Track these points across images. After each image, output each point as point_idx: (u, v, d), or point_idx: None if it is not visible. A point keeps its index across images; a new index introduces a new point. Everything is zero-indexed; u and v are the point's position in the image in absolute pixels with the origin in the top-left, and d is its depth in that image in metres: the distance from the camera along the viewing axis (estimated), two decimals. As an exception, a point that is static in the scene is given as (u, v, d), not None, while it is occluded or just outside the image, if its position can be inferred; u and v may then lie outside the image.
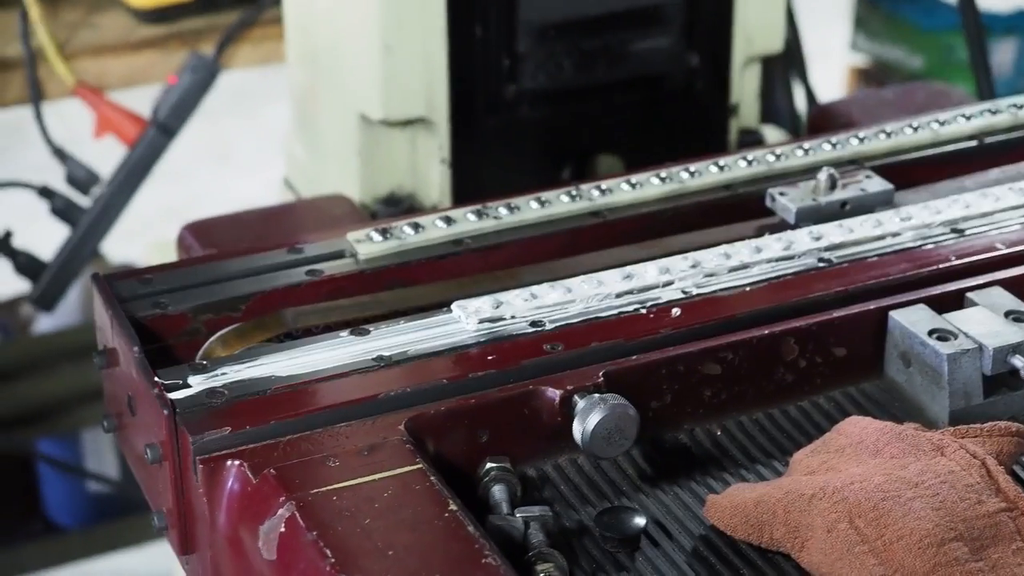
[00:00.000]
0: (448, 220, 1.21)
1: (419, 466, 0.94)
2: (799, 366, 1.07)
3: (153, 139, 1.82)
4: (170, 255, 1.38)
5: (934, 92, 1.62)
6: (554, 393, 1.01)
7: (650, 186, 1.27)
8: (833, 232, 1.17)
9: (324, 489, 0.92)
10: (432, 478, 0.93)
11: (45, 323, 2.59)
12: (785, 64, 1.88)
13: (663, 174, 1.28)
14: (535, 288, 1.10)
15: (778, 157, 1.31)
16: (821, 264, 1.15)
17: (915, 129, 1.35)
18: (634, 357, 1.04)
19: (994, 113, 1.38)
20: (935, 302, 1.09)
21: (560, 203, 1.24)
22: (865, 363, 1.09)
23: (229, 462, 0.95)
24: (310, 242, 1.20)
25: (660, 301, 1.10)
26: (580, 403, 0.99)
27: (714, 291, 1.11)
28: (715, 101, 1.55)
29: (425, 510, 0.90)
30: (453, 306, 1.09)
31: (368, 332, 1.07)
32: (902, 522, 0.88)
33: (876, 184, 1.25)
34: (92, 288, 1.13)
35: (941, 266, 1.14)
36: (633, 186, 1.26)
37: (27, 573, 2.54)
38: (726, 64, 1.54)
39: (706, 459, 1.03)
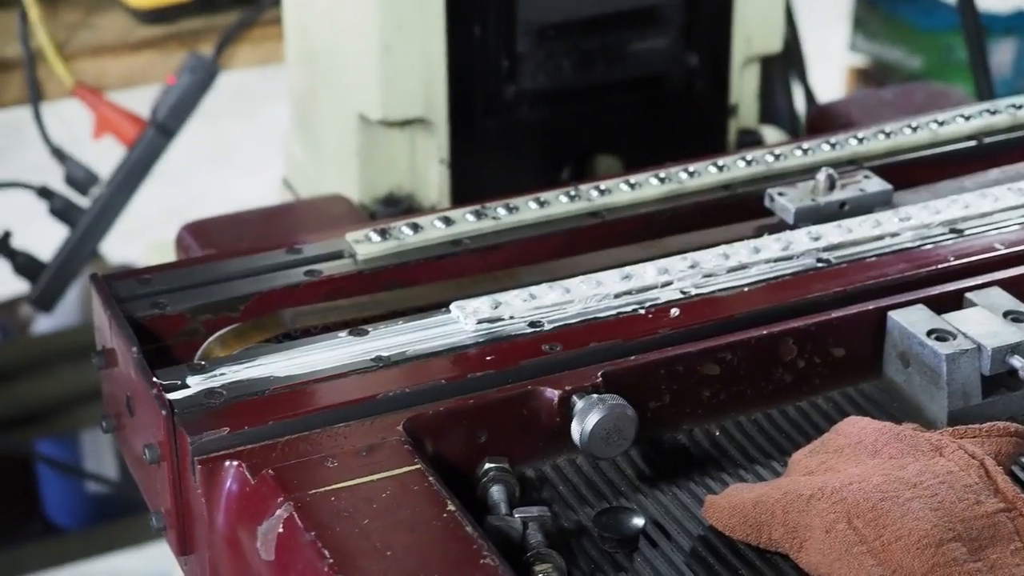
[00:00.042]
0: (447, 220, 1.21)
1: (417, 466, 0.94)
2: (798, 366, 1.07)
3: (152, 140, 1.82)
4: (169, 256, 1.38)
5: (933, 92, 1.62)
6: (552, 393, 1.01)
7: (649, 186, 1.27)
8: (832, 232, 1.17)
9: (322, 490, 0.92)
10: (430, 478, 0.93)
11: (44, 323, 2.59)
12: (784, 64, 1.88)
13: (662, 174, 1.28)
14: (534, 288, 1.10)
15: (777, 157, 1.31)
16: (820, 264, 1.15)
17: (914, 129, 1.35)
18: (633, 357, 1.04)
19: (993, 113, 1.38)
20: (934, 302, 1.09)
21: (559, 203, 1.24)
22: (864, 363, 1.09)
23: (227, 462, 0.95)
24: (309, 242, 1.20)
25: (659, 301, 1.10)
26: (579, 403, 0.99)
27: (713, 291, 1.11)
28: (714, 101, 1.55)
29: (423, 511, 0.90)
30: (452, 306, 1.09)
31: (367, 332, 1.07)
32: (900, 522, 0.88)
33: (875, 184, 1.25)
34: (91, 288, 1.13)
35: (940, 266, 1.14)
36: (632, 186, 1.26)
37: (26, 574, 2.54)
38: (725, 64, 1.54)
39: (704, 459, 1.03)
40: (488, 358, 1.04)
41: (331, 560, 0.86)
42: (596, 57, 1.49)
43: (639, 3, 1.48)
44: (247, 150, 3.95)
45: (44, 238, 2.03)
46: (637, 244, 1.22)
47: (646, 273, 1.12)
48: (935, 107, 1.46)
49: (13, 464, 2.61)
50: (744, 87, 1.56)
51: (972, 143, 1.36)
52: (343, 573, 0.85)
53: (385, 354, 1.04)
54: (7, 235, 1.88)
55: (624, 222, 1.24)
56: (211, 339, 1.10)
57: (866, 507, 0.90)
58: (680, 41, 1.51)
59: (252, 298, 1.14)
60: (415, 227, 1.20)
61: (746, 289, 1.12)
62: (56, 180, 1.89)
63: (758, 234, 1.19)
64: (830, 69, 3.19)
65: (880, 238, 1.17)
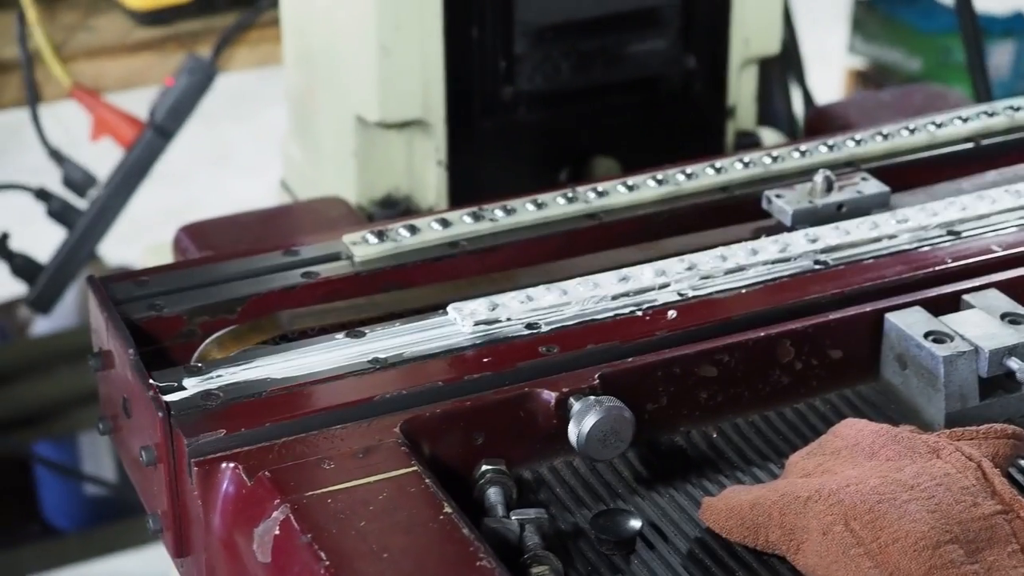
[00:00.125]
0: (444, 222, 1.21)
1: (414, 469, 0.94)
2: (795, 368, 1.07)
3: (150, 141, 1.82)
4: (168, 257, 1.38)
5: (931, 94, 1.62)
6: (550, 395, 1.01)
7: (646, 188, 1.27)
8: (829, 234, 1.17)
9: (319, 492, 0.92)
10: (427, 480, 0.93)
11: (42, 325, 2.59)
12: (782, 66, 1.88)
13: (660, 176, 1.28)
14: (531, 290, 1.10)
15: (775, 159, 1.31)
16: (817, 266, 1.15)
17: (912, 131, 1.35)
18: (630, 359, 1.04)
19: (990, 115, 1.38)
20: (931, 304, 1.09)
21: (556, 205, 1.24)
22: (861, 365, 1.09)
23: (224, 464, 0.95)
24: (306, 244, 1.20)
25: (656, 303, 1.10)
26: (576, 405, 0.99)
27: (710, 293, 1.11)
28: (712, 103, 1.55)
29: (420, 513, 0.90)
30: (449, 308, 1.09)
31: (364, 334, 1.07)
32: (897, 524, 0.88)
33: (872, 186, 1.25)
34: (87, 290, 1.13)
35: (937, 268, 1.14)
36: (630, 188, 1.26)
37: (24, 576, 2.54)
38: (723, 66, 1.54)
39: (702, 461, 1.03)
40: (485, 360, 1.04)
41: (327, 562, 0.86)
42: (594, 59, 1.49)
43: (637, 5, 1.48)
44: (245, 152, 3.95)
45: (42, 240, 2.03)
46: (634, 246, 1.22)
47: (643, 275, 1.12)
48: (933, 109, 1.46)
49: (11, 466, 2.60)
50: (742, 89, 1.56)
51: (970, 145, 1.36)
52: (339, 575, 0.85)
53: (382, 356, 1.04)
54: (5, 237, 1.88)
55: (622, 224, 1.24)
56: (208, 341, 1.10)
57: (863, 509, 0.90)
58: (678, 43, 1.51)
59: (249, 300, 1.14)
60: (412, 229, 1.20)
61: (743, 291, 1.12)
62: (54, 182, 1.89)
63: (756, 236, 1.19)
64: (829, 71, 3.19)
65: (877, 240, 1.17)
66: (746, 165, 1.30)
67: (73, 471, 2.52)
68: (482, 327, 1.07)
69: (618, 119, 1.52)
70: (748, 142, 1.57)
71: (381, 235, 1.20)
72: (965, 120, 1.37)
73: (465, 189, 1.46)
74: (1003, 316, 1.07)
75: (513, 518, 0.94)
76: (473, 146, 1.46)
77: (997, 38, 2.99)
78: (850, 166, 1.31)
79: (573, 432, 0.98)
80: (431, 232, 1.21)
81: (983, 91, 1.75)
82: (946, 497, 0.90)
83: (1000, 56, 3.00)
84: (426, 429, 0.98)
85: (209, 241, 1.32)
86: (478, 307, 1.08)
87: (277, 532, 0.90)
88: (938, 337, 1.05)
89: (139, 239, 1.96)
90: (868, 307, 1.09)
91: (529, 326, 1.07)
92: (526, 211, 1.24)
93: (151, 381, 1.00)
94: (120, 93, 1.89)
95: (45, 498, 2.61)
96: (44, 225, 1.91)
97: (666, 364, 1.04)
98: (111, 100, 1.87)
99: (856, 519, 0.90)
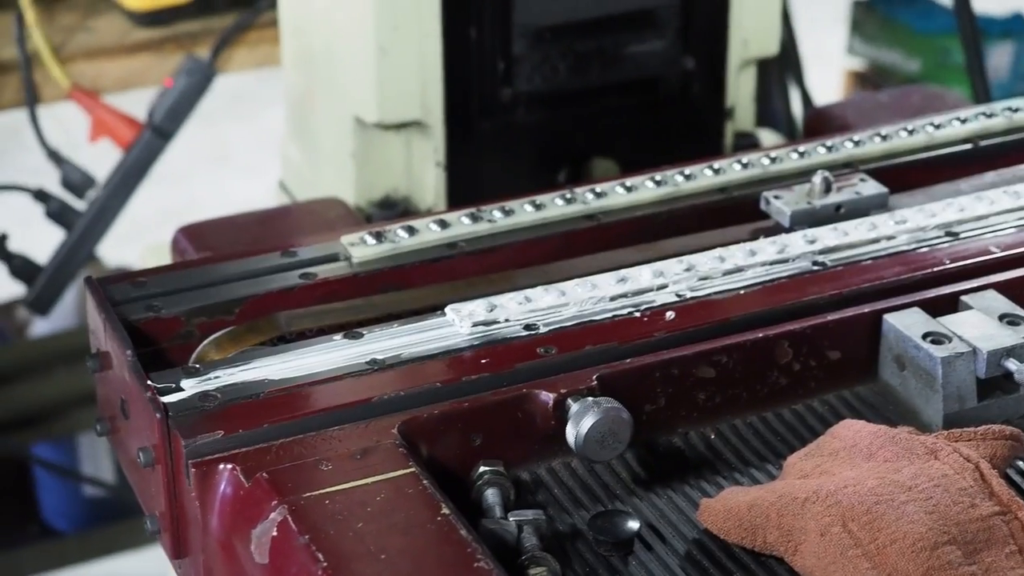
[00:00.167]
0: (442, 223, 1.21)
1: (412, 470, 0.94)
2: (793, 369, 1.07)
3: (148, 142, 1.82)
4: (166, 259, 1.38)
5: (930, 95, 1.62)
6: (548, 396, 1.01)
7: (645, 189, 1.27)
8: (827, 235, 1.17)
9: (317, 493, 0.92)
10: (425, 482, 0.92)
11: (41, 326, 2.59)
12: (781, 67, 1.88)
13: (658, 177, 1.28)
14: (529, 291, 1.10)
15: (773, 160, 1.31)
16: (815, 267, 1.14)
17: (910, 132, 1.35)
18: (628, 360, 1.04)
19: (989, 116, 1.38)
20: (929, 305, 1.09)
21: (554, 206, 1.24)
22: (859, 366, 1.09)
23: (222, 466, 0.95)
24: (304, 245, 1.20)
25: (654, 304, 1.10)
26: (574, 406, 0.99)
27: (708, 294, 1.11)
28: (710, 104, 1.55)
29: (418, 514, 0.90)
30: (447, 309, 1.09)
31: (361, 335, 1.07)
32: (895, 526, 0.88)
33: (871, 187, 1.25)
34: (84, 291, 1.13)
35: (935, 269, 1.14)
36: (628, 189, 1.26)
37: (23, 577, 2.54)
38: (722, 67, 1.54)
39: (700, 462, 1.03)
40: (483, 361, 1.04)
41: (325, 564, 0.86)
42: (592, 60, 1.49)
43: (635, 6, 1.48)
44: (244, 153, 3.95)
45: (40, 241, 2.03)
46: (633, 247, 1.22)
47: (642, 276, 1.12)
48: (932, 110, 1.45)
49: (10, 467, 2.60)
50: (740, 90, 1.56)
51: (968, 146, 1.36)
52: (337, 576, 0.85)
53: (380, 357, 1.04)
54: (3, 238, 1.88)
55: (620, 225, 1.24)
56: (206, 342, 1.10)
57: (861, 510, 0.90)
58: (676, 44, 1.51)
59: (247, 301, 1.14)
60: (410, 230, 1.20)
61: (742, 292, 1.12)
62: (52, 183, 1.90)
63: (754, 237, 1.19)
64: (828, 72, 3.19)
65: (876, 241, 1.17)
66: (744, 166, 1.30)
67: (72, 472, 2.52)
68: (480, 328, 1.07)
69: (616, 120, 1.53)
70: (746, 143, 1.57)
71: (379, 236, 1.20)
72: (963, 121, 1.37)
73: (464, 190, 1.46)
74: (1001, 317, 1.07)
75: (511, 519, 0.94)
76: (471, 147, 1.46)
77: (996, 39, 2.99)
78: (848, 167, 1.31)
79: (571, 433, 0.98)
80: (429, 233, 1.21)
81: (982, 92, 1.75)
82: (944, 498, 0.90)
83: (999, 57, 3.01)
84: (424, 430, 0.98)
85: (207, 242, 1.32)
86: (476, 308, 1.08)
87: (275, 533, 0.90)
88: (936, 338, 1.05)
89: (138, 240, 1.95)
90: (866, 308, 1.09)
91: (527, 327, 1.07)
92: (524, 212, 1.23)
93: (149, 382, 1.00)
94: (119, 94, 1.89)
95: (44, 499, 2.61)
96: (43, 226, 1.91)
97: (664, 365, 1.04)
98: (110, 101, 1.87)
99: (854, 520, 0.89)
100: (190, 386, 1.01)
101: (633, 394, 1.02)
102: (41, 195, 1.87)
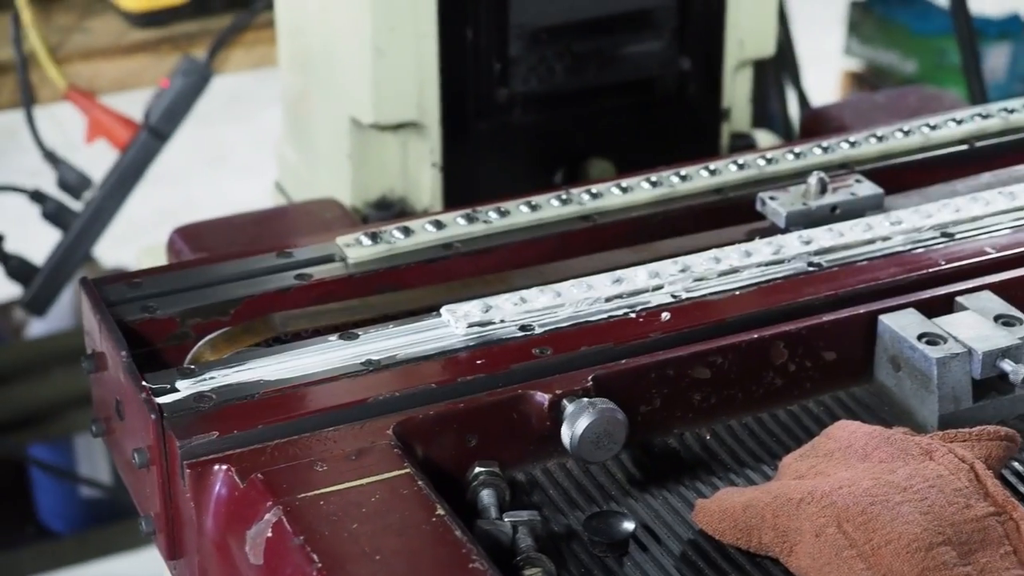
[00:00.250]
0: (438, 224, 1.21)
1: (407, 471, 0.93)
2: (788, 370, 1.07)
3: (145, 143, 1.82)
4: (163, 259, 1.38)
5: (926, 96, 1.62)
6: (543, 397, 1.00)
7: (640, 190, 1.27)
8: (823, 236, 1.17)
9: (311, 494, 0.91)
10: (420, 483, 0.92)
11: (37, 327, 2.59)
12: (778, 68, 1.88)
13: (654, 178, 1.28)
14: (525, 292, 1.10)
15: (769, 161, 1.31)
16: (811, 268, 1.14)
17: (906, 133, 1.35)
18: (623, 361, 1.04)
19: (985, 117, 1.38)
20: (925, 306, 1.09)
21: (550, 207, 1.24)
22: (854, 367, 1.09)
23: (216, 467, 0.95)
24: (300, 246, 1.20)
25: (650, 305, 1.10)
26: (569, 407, 0.99)
27: (704, 295, 1.11)
28: (707, 105, 1.55)
29: (412, 515, 0.90)
30: (442, 310, 1.09)
31: (357, 336, 1.07)
32: (890, 526, 0.88)
33: (866, 188, 1.25)
34: (79, 292, 1.13)
35: (931, 270, 1.14)
36: (624, 190, 1.26)
37: (20, 578, 2.54)
38: (718, 68, 1.54)
39: (695, 463, 1.03)
40: (479, 362, 1.04)
41: (320, 564, 0.86)
42: (588, 60, 1.49)
43: (632, 7, 1.48)
44: (241, 154, 3.95)
45: (37, 242, 2.03)
46: (628, 248, 1.22)
47: (637, 277, 1.12)
48: (928, 111, 1.45)
49: (7, 468, 2.60)
50: (737, 91, 1.56)
51: (964, 147, 1.36)
52: (331, 577, 0.85)
53: (375, 358, 1.04)
54: (0, 239, 1.87)
55: (615, 226, 1.24)
56: (201, 343, 1.10)
57: (856, 511, 0.90)
58: (673, 45, 1.51)
59: (242, 302, 1.14)
60: (406, 231, 1.20)
61: (737, 293, 1.12)
62: (49, 184, 1.89)
63: (749, 238, 1.19)
64: (825, 73, 3.19)
65: (871, 242, 1.17)
66: (740, 167, 1.30)
67: (68, 473, 2.52)
68: (476, 329, 1.07)
69: (613, 121, 1.52)
70: (743, 144, 1.57)
71: (375, 237, 1.20)
72: (959, 122, 1.37)
73: (460, 191, 1.46)
74: (996, 318, 1.07)
75: (506, 520, 0.94)
76: (468, 148, 1.46)
77: (993, 40, 3.00)
78: (844, 168, 1.31)
79: (566, 434, 0.98)
80: (425, 234, 1.21)
81: (978, 93, 1.75)
82: (939, 499, 0.90)
83: (996, 58, 3.01)
84: (419, 431, 0.98)
85: (203, 243, 1.32)
86: (472, 309, 1.08)
87: (269, 534, 0.90)
88: (931, 339, 1.05)
89: (135, 241, 1.96)
90: (862, 309, 1.09)
91: (523, 328, 1.07)
92: (520, 213, 1.23)
93: (144, 383, 1.00)
94: (115, 95, 1.89)
95: (40, 500, 2.61)
96: (39, 227, 1.91)
97: (659, 366, 1.04)
98: (106, 102, 1.87)
99: (849, 521, 0.89)
100: (185, 387, 1.01)
101: (628, 395, 1.01)
102: (37, 196, 1.87)
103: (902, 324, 1.07)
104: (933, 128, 1.36)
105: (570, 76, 1.48)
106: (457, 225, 1.22)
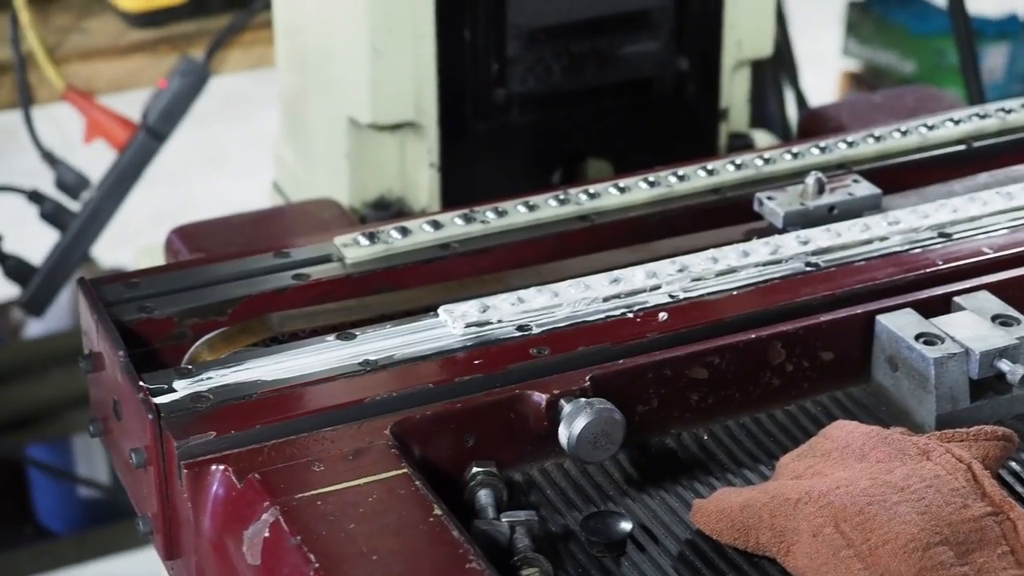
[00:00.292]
0: (435, 224, 1.21)
1: (404, 471, 0.94)
2: (786, 370, 1.07)
3: (143, 143, 1.82)
4: (160, 259, 1.38)
5: (924, 96, 1.62)
6: (540, 397, 1.00)
7: (638, 190, 1.27)
8: (821, 236, 1.17)
9: (309, 494, 0.91)
10: (417, 483, 0.92)
11: (35, 327, 2.59)
12: (776, 68, 1.88)
13: (651, 178, 1.28)
14: (522, 292, 1.10)
15: (767, 161, 1.31)
16: (808, 268, 1.15)
17: (903, 133, 1.35)
18: (621, 361, 1.04)
19: (982, 117, 1.38)
20: (922, 306, 1.09)
21: (548, 207, 1.24)
22: (852, 367, 1.09)
23: (214, 467, 0.95)
24: (297, 246, 1.20)
25: (647, 305, 1.10)
26: (566, 407, 0.99)
27: (701, 295, 1.11)
28: (705, 105, 1.55)
29: (410, 515, 0.90)
30: (440, 310, 1.09)
31: (354, 336, 1.07)
32: (887, 526, 0.88)
33: (864, 188, 1.25)
34: (77, 292, 1.13)
35: (928, 270, 1.14)
36: (621, 190, 1.26)
37: (18, 578, 2.54)
38: (716, 68, 1.54)
39: (693, 463, 1.03)
40: (476, 362, 1.04)
41: (317, 564, 0.86)
42: (586, 61, 1.49)
43: (629, 6, 1.48)
44: (238, 154, 3.95)
45: (35, 242, 2.03)
46: (626, 248, 1.22)
47: (635, 277, 1.12)
48: (926, 111, 1.45)
49: (5, 469, 2.60)
50: (735, 91, 1.56)
51: (961, 147, 1.36)
52: (329, 577, 0.85)
53: (373, 358, 1.04)
54: (-3, 239, 1.88)
55: (613, 226, 1.24)
56: (198, 343, 1.10)
57: (853, 511, 0.90)
58: (671, 45, 1.51)
59: (240, 302, 1.14)
60: (404, 231, 1.20)
61: (735, 293, 1.12)
62: (47, 184, 1.89)
63: (747, 238, 1.19)
64: (823, 73, 3.20)
65: (869, 242, 1.17)
66: (738, 167, 1.30)
67: (66, 474, 2.52)
68: (473, 329, 1.07)
69: (611, 121, 1.52)
70: (741, 144, 1.57)
71: (372, 237, 1.20)
72: (957, 122, 1.37)
73: (458, 191, 1.46)
74: (994, 318, 1.07)
75: (503, 520, 0.94)
76: (465, 148, 1.46)
77: (991, 40, 3.00)
78: (842, 168, 1.31)
79: (564, 434, 0.98)
80: (422, 234, 1.21)
81: (976, 93, 1.75)
82: (936, 499, 0.90)
83: (994, 59, 3.01)
84: (416, 431, 0.98)
85: (201, 243, 1.32)
86: (469, 309, 1.08)
87: (267, 534, 0.90)
88: (929, 339, 1.05)
89: (132, 241, 1.95)
90: (859, 309, 1.09)
91: (520, 328, 1.07)
92: (518, 213, 1.23)
93: (141, 383, 1.00)
94: (113, 95, 1.89)
95: (38, 501, 2.61)
96: (37, 227, 1.91)
97: (657, 366, 1.04)
98: (104, 102, 1.87)
99: (846, 521, 0.90)
100: (182, 387, 1.01)
101: (626, 395, 1.02)
102: (35, 196, 1.87)
103: (900, 324, 1.07)
104: (931, 128, 1.36)
105: (568, 76, 1.48)
106: (455, 225, 1.22)
